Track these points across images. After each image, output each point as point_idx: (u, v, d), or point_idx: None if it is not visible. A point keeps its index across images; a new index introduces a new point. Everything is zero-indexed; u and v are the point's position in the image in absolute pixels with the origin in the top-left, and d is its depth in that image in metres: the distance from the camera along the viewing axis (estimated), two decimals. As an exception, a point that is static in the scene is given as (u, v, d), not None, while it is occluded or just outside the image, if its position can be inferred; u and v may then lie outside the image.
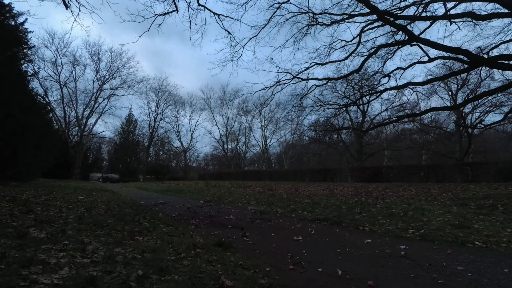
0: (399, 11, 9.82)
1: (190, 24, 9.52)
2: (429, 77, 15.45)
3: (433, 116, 24.41)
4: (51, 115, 30.32)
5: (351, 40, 11.25)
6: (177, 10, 9.06)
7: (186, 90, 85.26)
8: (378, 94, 14.04)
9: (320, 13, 10.70)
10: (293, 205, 10.12)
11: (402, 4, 9.77)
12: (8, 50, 10.67)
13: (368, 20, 10.44)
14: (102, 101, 38.25)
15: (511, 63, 8.50)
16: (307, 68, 11.52)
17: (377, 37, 11.50)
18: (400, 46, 10.82)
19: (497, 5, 8.62)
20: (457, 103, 20.66)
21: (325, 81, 12.89)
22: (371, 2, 8.96)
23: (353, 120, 26.56)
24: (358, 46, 10.93)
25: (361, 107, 24.85)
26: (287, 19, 10.78)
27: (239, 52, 11.14)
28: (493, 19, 8.77)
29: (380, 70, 12.64)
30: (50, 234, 4.15)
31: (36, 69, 31.05)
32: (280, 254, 4.20)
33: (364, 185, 14.50)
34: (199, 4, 9.30)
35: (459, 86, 21.67)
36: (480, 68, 11.04)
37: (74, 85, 36.76)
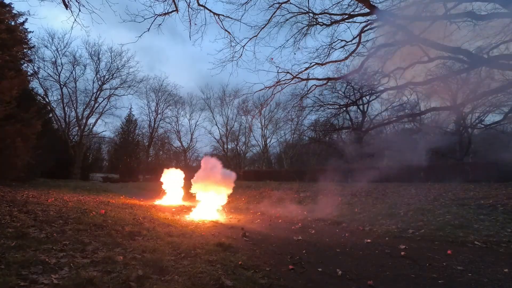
0: (399, 11, 9.81)
1: (190, 24, 9.52)
2: (429, 77, 15.44)
3: (433, 116, 24.39)
4: (51, 115, 30.31)
5: (351, 40, 11.23)
6: (177, 10, 9.06)
7: (186, 90, 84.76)
8: (378, 94, 14.05)
9: (320, 13, 10.69)
10: (293, 204, 10.13)
11: (402, 4, 9.77)
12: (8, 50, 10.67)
13: (368, 20, 10.44)
14: (102, 101, 38.20)
15: (511, 63, 8.49)
16: (307, 68, 11.51)
17: (377, 37, 11.49)
18: (400, 46, 10.81)
19: (497, 5, 8.61)
20: (457, 103, 20.61)
21: (325, 81, 12.88)
22: (371, 2, 8.96)
23: (353, 120, 26.55)
24: (358, 46, 10.91)
25: (361, 107, 24.83)
26: (287, 19, 10.77)
27: (239, 52, 11.11)
28: (493, 19, 8.76)
29: (380, 70, 12.64)
30: (50, 234, 4.15)
31: (36, 69, 31.04)
32: (280, 254, 4.20)
33: (364, 185, 14.50)
34: (199, 4, 9.29)
35: (459, 86, 21.63)
36: (480, 68, 11.02)
37: (74, 85, 36.69)
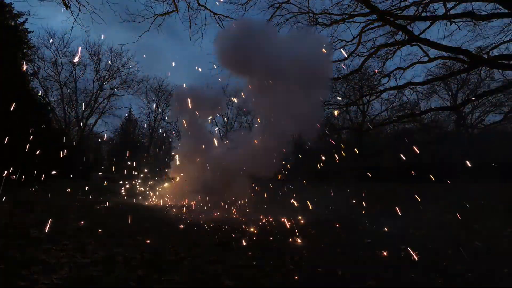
0: (399, 11, 9.79)
1: (190, 24, 9.53)
2: (429, 77, 15.45)
3: (433, 116, 24.40)
4: (51, 115, 30.27)
5: (351, 40, 11.23)
6: (177, 10, 9.07)
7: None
8: (378, 94, 14.05)
9: (320, 13, 10.70)
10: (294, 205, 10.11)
11: (402, 4, 9.75)
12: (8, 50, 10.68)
13: (368, 20, 10.42)
14: (102, 101, 38.21)
15: (511, 63, 8.48)
16: (307, 68, 11.51)
17: (377, 37, 11.45)
18: (400, 46, 10.80)
19: (497, 5, 8.60)
20: (457, 103, 20.63)
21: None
22: (371, 2, 8.94)
23: (353, 120, 26.56)
24: (358, 46, 10.92)
25: (361, 107, 24.83)
26: (287, 19, 10.78)
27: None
28: (493, 19, 8.76)
29: (380, 70, 12.63)
30: (50, 234, 4.15)
31: (36, 69, 31.00)
32: (280, 254, 4.20)
33: (364, 185, 14.51)
34: (199, 4, 9.30)
35: (459, 86, 21.66)
36: (480, 68, 11.01)
37: (74, 85, 36.72)
